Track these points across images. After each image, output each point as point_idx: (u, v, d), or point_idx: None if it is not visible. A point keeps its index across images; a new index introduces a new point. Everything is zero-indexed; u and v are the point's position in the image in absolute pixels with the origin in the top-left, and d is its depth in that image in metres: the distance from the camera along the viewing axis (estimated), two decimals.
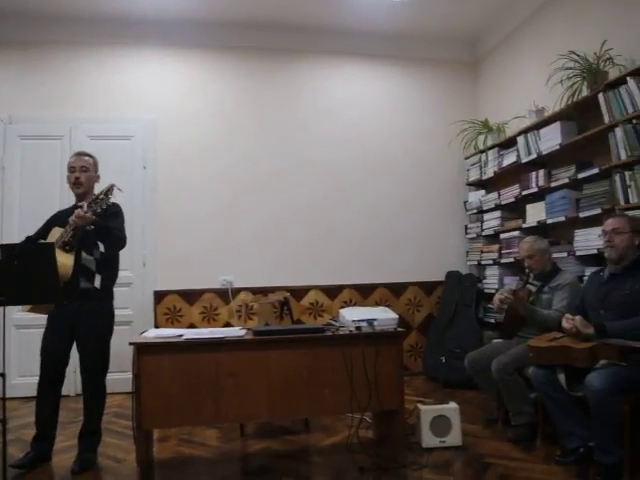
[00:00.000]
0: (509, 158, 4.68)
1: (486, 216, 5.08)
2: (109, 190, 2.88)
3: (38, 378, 2.98)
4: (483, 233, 5.10)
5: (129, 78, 4.99)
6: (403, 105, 5.52)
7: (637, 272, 2.76)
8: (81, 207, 2.82)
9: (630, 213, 3.27)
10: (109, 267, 3.11)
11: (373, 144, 5.38)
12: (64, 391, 3.13)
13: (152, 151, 4.94)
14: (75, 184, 3.06)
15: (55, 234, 2.98)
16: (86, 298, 2.96)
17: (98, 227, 2.90)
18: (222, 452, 3.21)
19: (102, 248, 3.02)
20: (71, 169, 3.08)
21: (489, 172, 5.01)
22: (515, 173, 4.60)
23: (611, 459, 2.55)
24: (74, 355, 3.06)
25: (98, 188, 3.07)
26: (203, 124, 5.08)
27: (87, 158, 3.13)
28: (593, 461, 2.65)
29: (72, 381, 4.22)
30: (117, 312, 4.60)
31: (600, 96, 3.55)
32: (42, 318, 3.05)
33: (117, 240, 3.06)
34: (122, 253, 4.73)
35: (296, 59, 5.32)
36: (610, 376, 2.55)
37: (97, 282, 3.00)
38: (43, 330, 3.04)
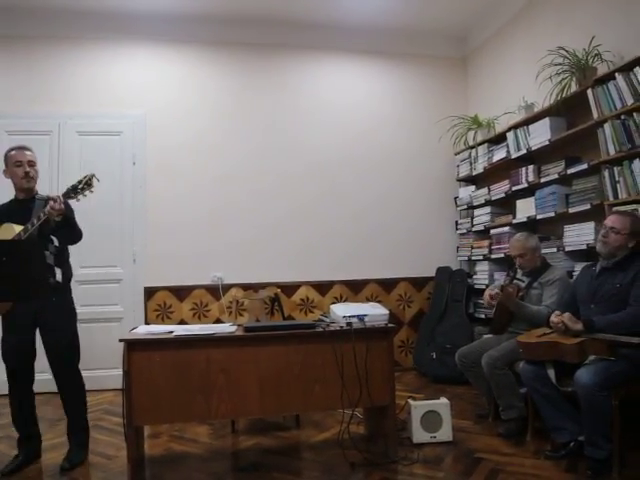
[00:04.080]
0: (499, 154, 4.69)
1: (476, 212, 5.10)
2: (90, 180, 2.82)
3: (6, 380, 2.89)
4: (473, 229, 5.11)
5: (118, 73, 4.95)
6: (393, 101, 5.51)
7: (628, 267, 2.78)
8: (54, 199, 2.74)
9: (619, 209, 3.29)
10: (66, 260, 3.05)
11: (363, 140, 5.38)
12: (51, 388, 3.10)
13: (141, 147, 4.90)
14: (25, 178, 2.94)
15: (8, 230, 2.80)
16: (51, 292, 2.88)
17: (66, 219, 2.84)
18: (213, 448, 3.21)
19: (56, 242, 2.94)
20: (17, 163, 2.94)
21: (479, 168, 5.03)
22: (505, 169, 4.62)
23: (601, 453, 2.57)
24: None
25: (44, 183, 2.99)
26: (193, 120, 5.05)
27: (31, 153, 3.00)
28: (583, 456, 2.67)
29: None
30: (107, 309, 4.68)
31: (589, 92, 3.57)
32: None
33: (79, 233, 3.02)
34: (112, 249, 4.76)
35: (286, 55, 5.29)
36: (599, 371, 2.57)
37: (59, 276, 2.93)
38: None
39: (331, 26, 5.23)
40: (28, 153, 2.99)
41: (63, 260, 3.02)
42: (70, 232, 2.98)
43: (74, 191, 2.80)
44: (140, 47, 5.00)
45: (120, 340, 2.75)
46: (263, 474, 2.79)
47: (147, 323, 4.66)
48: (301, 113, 5.29)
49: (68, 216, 2.87)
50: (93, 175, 2.84)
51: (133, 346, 2.75)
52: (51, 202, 2.75)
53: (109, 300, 4.70)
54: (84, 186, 2.81)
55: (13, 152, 2.98)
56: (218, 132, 5.09)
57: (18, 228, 2.79)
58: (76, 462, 2.87)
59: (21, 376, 2.92)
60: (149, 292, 4.81)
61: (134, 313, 4.73)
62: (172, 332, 2.89)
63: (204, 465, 2.95)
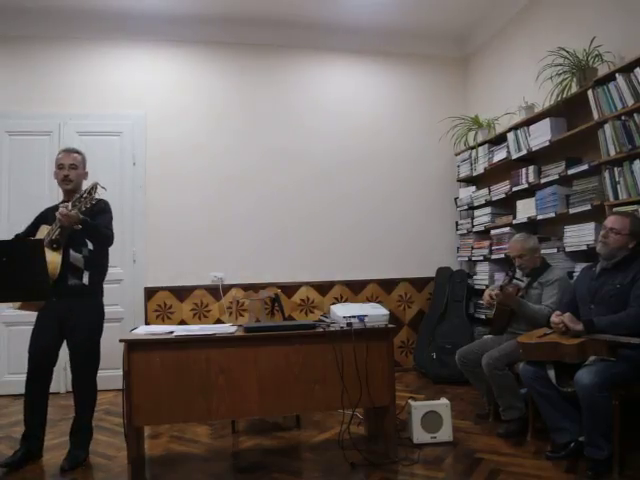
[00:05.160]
0: (499, 154, 4.69)
1: (477, 212, 5.10)
2: (92, 189, 2.87)
3: (26, 376, 2.95)
4: (474, 229, 5.11)
5: (119, 74, 4.95)
6: (394, 101, 5.52)
7: (627, 267, 2.78)
8: (65, 206, 2.81)
9: (619, 209, 3.29)
10: (99, 264, 3.09)
11: (364, 142, 5.38)
12: (54, 388, 3.12)
13: (142, 147, 4.90)
14: (64, 181, 3.04)
15: (43, 232, 2.96)
16: (75, 295, 2.95)
17: (85, 226, 2.88)
18: (213, 449, 3.21)
19: (90, 245, 3.00)
20: (59, 166, 3.06)
21: (479, 168, 5.03)
22: (505, 169, 4.62)
23: (601, 454, 2.58)
24: (64, 352, 3.04)
25: (85, 185, 3.06)
26: (193, 120, 5.05)
27: (76, 155, 3.10)
28: (583, 456, 2.67)
29: (62, 378, 4.22)
30: (107, 309, 4.58)
31: (589, 92, 3.57)
32: (32, 315, 3.03)
33: (105, 238, 3.07)
34: (112, 250, 4.71)
35: (285, 55, 5.29)
36: (599, 372, 2.57)
37: (85, 279, 2.98)
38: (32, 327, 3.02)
39: (333, 27, 5.23)
40: (73, 155, 3.08)
41: (94, 264, 3.04)
42: (94, 237, 3.01)
43: (79, 200, 2.85)
44: (142, 47, 5.00)
45: (120, 340, 2.75)
46: (263, 474, 2.79)
47: (147, 323, 4.66)
48: (303, 113, 5.29)
49: (87, 223, 2.88)
50: (97, 184, 2.89)
51: (133, 346, 2.75)
52: (61, 208, 2.80)
53: (109, 300, 4.56)
54: (87, 195, 2.86)
55: (60, 155, 3.08)
56: (221, 134, 5.09)
57: (46, 229, 2.92)
58: (76, 462, 2.88)
59: (39, 377, 2.95)
60: (149, 292, 4.81)
61: (134, 313, 4.73)
62: (172, 332, 2.89)
63: (204, 465, 2.95)
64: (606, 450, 2.57)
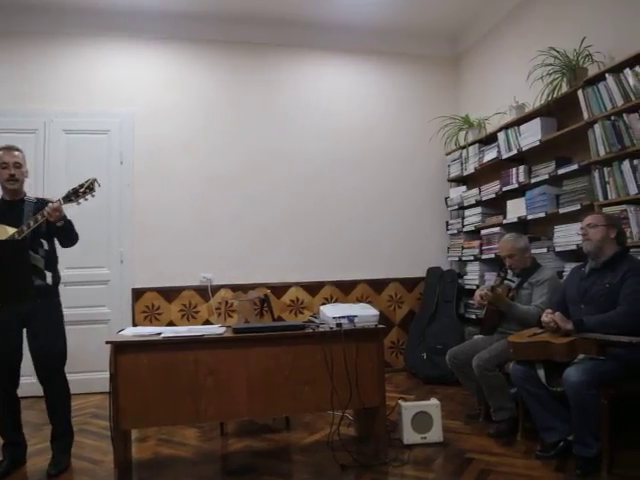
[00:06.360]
0: (490, 154, 4.69)
1: (467, 212, 5.10)
2: (92, 184, 2.81)
3: None
4: (464, 229, 5.11)
5: (106, 71, 4.88)
6: (385, 100, 5.50)
7: (616, 267, 2.80)
8: (58, 200, 2.75)
9: (608, 209, 3.31)
10: (56, 264, 3.02)
11: (355, 141, 5.36)
12: (36, 392, 3.05)
13: (129, 146, 4.84)
14: (9, 181, 2.90)
15: (1, 232, 2.78)
16: (40, 296, 2.82)
17: (66, 222, 2.83)
18: (202, 452, 3.17)
19: (47, 246, 2.92)
20: (3, 165, 2.89)
21: (470, 168, 5.03)
22: (496, 169, 4.62)
23: (590, 452, 2.59)
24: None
25: (27, 183, 3.01)
26: (183, 120, 5.00)
27: (18, 153, 2.96)
28: (572, 455, 2.68)
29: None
30: (94, 310, 4.62)
31: (579, 92, 3.58)
32: None
33: (76, 236, 3.02)
34: (99, 250, 4.69)
35: (277, 53, 5.26)
36: (588, 370, 2.58)
37: (49, 279, 2.91)
38: None
39: (326, 25, 5.21)
40: (15, 154, 2.95)
41: (53, 264, 2.99)
42: (70, 235, 2.97)
43: (75, 194, 2.79)
44: (131, 44, 4.94)
45: (107, 342, 2.71)
46: (253, 477, 2.76)
47: (135, 325, 4.60)
48: (292, 115, 5.25)
49: (68, 220, 2.85)
50: (95, 180, 2.84)
51: (120, 348, 2.71)
52: (52, 204, 2.74)
53: (96, 302, 4.63)
54: (86, 190, 2.81)
55: (0, 153, 2.93)
56: (210, 133, 5.05)
57: (11, 230, 2.77)
58: (62, 467, 2.82)
59: (6, 380, 2.86)
60: (137, 293, 4.75)
61: (121, 315, 4.67)
62: (160, 334, 2.85)
63: (193, 469, 2.91)
64: (595, 448, 2.59)
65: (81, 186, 2.81)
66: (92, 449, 3.19)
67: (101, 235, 4.67)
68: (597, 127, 3.43)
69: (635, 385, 2.65)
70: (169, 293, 4.82)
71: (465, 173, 5.14)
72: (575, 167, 3.67)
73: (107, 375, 2.72)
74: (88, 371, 4.42)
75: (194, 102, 5.05)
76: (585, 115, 3.54)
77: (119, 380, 2.68)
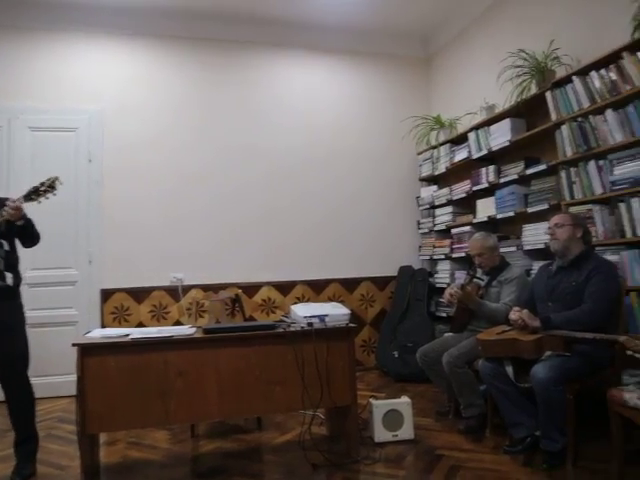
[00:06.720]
0: (460, 154, 4.75)
1: (438, 211, 5.15)
2: (53, 182, 2.74)
3: None
4: (435, 228, 5.16)
5: (74, 66, 4.76)
6: (357, 99, 5.52)
7: (582, 265, 2.85)
8: (19, 199, 2.67)
9: (575, 209, 3.38)
10: (17, 264, 2.92)
11: (327, 140, 5.36)
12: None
13: (98, 144, 4.74)
14: None
15: None
16: (0, 297, 2.78)
17: (27, 221, 2.76)
18: (172, 454, 3.13)
19: (7, 246, 2.83)
20: None
21: (441, 168, 5.08)
22: (466, 169, 4.68)
23: (555, 446, 2.65)
24: None
25: None
26: (153, 117, 4.92)
27: None
28: (539, 449, 2.73)
29: None
30: (61, 312, 4.52)
31: (547, 94, 3.64)
32: None
33: (37, 235, 2.94)
34: (66, 251, 4.59)
35: (252, 52, 5.22)
36: (555, 366, 2.63)
37: (9, 280, 2.81)
38: None
39: (296, 24, 5.19)
40: None
41: (14, 264, 2.89)
42: (31, 235, 2.89)
43: (36, 193, 2.72)
44: (99, 39, 4.83)
45: (73, 344, 2.65)
46: (223, 478, 2.74)
47: (103, 326, 4.52)
48: (264, 113, 5.22)
49: (28, 219, 2.78)
50: (57, 178, 2.77)
51: (87, 350, 2.65)
52: (10, 204, 2.65)
53: (63, 303, 4.52)
54: (47, 189, 2.73)
55: None
56: (180, 130, 4.98)
57: None
58: (26, 474, 2.74)
59: None
60: (106, 294, 4.66)
61: (90, 316, 4.56)
62: (128, 335, 2.80)
63: (163, 472, 2.87)
64: (560, 443, 2.65)
65: (42, 184, 2.74)
66: (59, 454, 3.11)
67: (69, 235, 4.57)
68: (564, 128, 3.50)
69: (598, 380, 2.71)
70: (139, 294, 4.74)
71: (436, 173, 5.19)
72: (543, 167, 3.74)
73: (75, 378, 2.66)
74: (55, 374, 4.32)
75: (163, 99, 4.97)
76: (553, 116, 3.61)
77: (86, 383, 2.63)
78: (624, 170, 3.08)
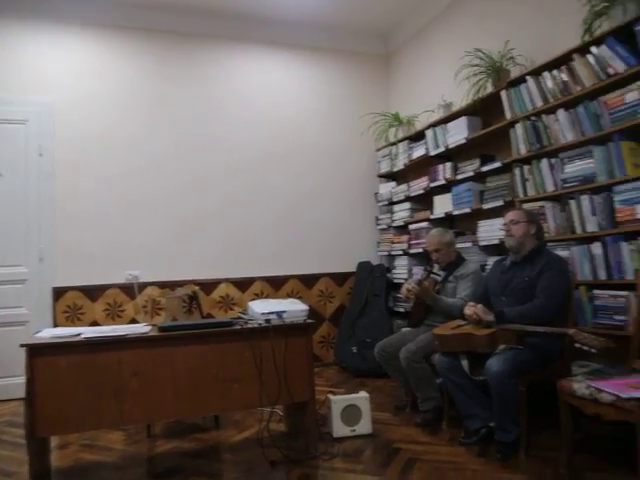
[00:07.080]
0: (418, 151, 4.80)
1: (396, 207, 5.20)
2: None
3: None
4: (393, 224, 5.21)
5: (24, 56, 4.55)
6: (317, 95, 5.50)
7: (534, 261, 2.93)
8: None
9: (528, 205, 3.46)
10: None
11: (286, 136, 5.33)
12: None
13: (49, 137, 4.57)
14: None
15: None
16: None
17: None
18: (127, 455, 3.06)
19: None
20: None
21: (399, 164, 5.12)
22: (424, 165, 4.73)
23: (509, 437, 2.73)
24: None
25: None
26: (106, 110, 4.78)
27: None
28: (494, 440, 2.80)
29: None
30: (10, 312, 4.36)
31: (502, 93, 3.72)
32: None
33: None
34: (15, 248, 4.42)
35: (209, 45, 5.12)
36: (508, 359, 2.69)
37: None
38: None
39: (256, 18, 5.14)
40: None
41: None
42: None
43: None
44: (50, 28, 4.63)
45: (21, 345, 2.55)
46: (180, 478, 2.69)
47: (56, 326, 4.38)
48: (222, 107, 5.14)
49: None
50: None
51: (36, 351, 2.56)
52: None
53: (12, 302, 4.35)
54: None
55: None
56: (134, 123, 4.85)
57: None
58: None
59: None
60: (58, 292, 4.51)
61: (41, 316, 4.40)
62: (80, 334, 2.71)
63: (117, 474, 2.81)
64: (513, 433, 2.72)
65: None
66: (7, 460, 2.99)
67: (18, 231, 4.40)
68: (518, 127, 3.58)
69: (549, 372, 2.79)
70: (92, 292, 4.61)
71: (395, 169, 5.23)
72: (498, 165, 3.82)
73: (23, 380, 2.56)
74: (5, 376, 4.17)
75: (116, 90, 4.81)
76: (508, 115, 3.69)
77: (36, 385, 2.54)
78: (574, 168, 3.17)
